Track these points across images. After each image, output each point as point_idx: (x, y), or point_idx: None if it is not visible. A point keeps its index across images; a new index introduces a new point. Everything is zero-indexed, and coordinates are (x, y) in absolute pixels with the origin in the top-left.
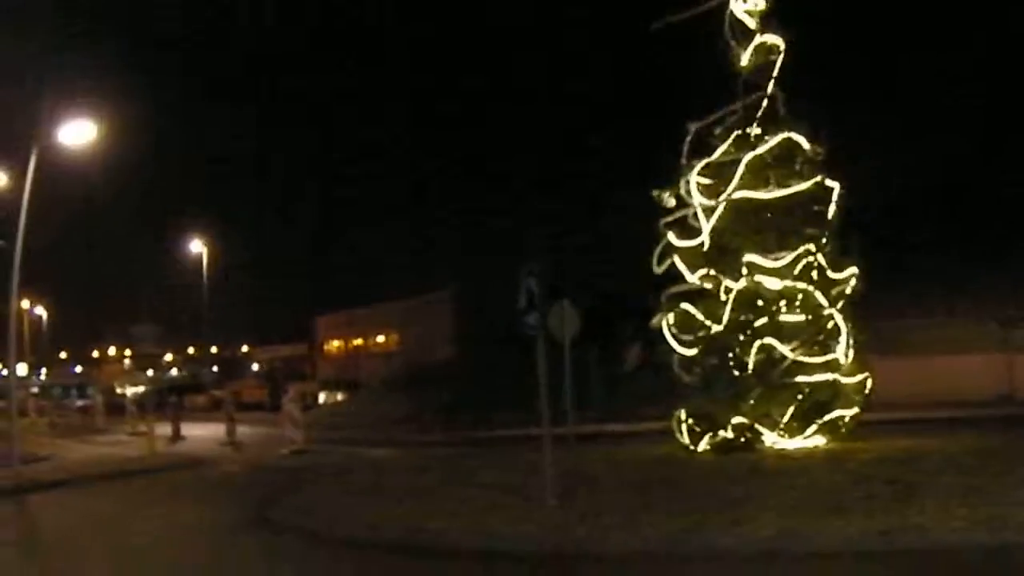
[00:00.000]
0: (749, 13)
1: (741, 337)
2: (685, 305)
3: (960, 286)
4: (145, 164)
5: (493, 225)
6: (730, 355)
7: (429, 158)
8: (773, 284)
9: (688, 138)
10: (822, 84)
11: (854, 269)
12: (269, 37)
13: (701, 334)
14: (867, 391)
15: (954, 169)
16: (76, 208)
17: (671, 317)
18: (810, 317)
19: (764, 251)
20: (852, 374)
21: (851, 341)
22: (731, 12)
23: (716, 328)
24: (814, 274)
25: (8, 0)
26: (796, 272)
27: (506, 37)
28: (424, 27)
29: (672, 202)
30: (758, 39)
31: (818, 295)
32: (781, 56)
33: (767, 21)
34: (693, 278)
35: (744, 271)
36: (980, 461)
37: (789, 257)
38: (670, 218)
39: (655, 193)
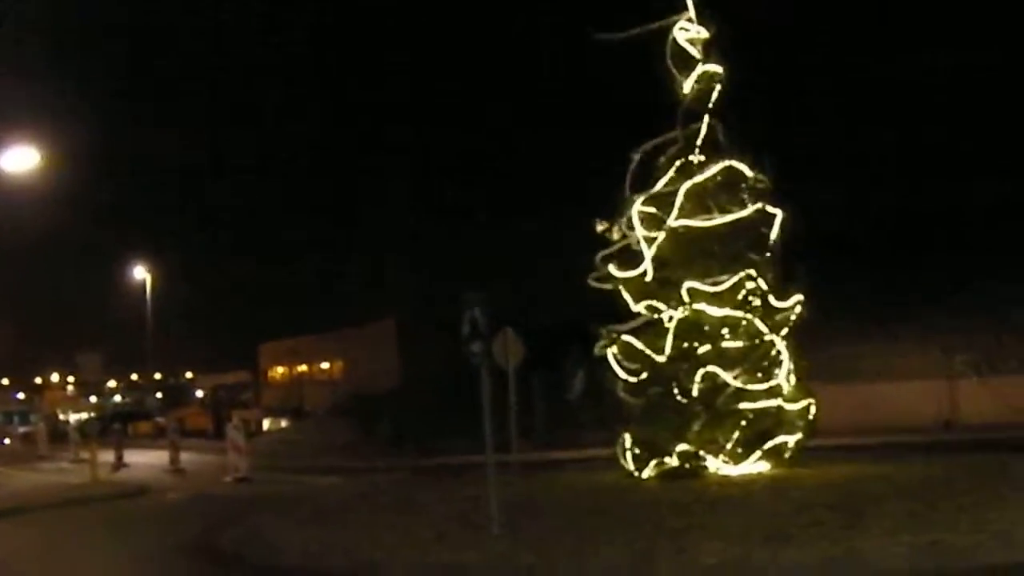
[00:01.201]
0: (691, 41)
1: (685, 365)
2: (627, 337)
3: (903, 313)
4: (88, 190)
5: (437, 253)
6: (674, 382)
7: (374, 185)
8: (715, 311)
9: (631, 167)
10: (765, 111)
11: (799, 297)
12: (213, 62)
13: (645, 362)
14: (811, 417)
15: (898, 197)
16: (17, 235)
17: (615, 348)
18: (753, 344)
19: (706, 278)
20: (795, 400)
21: (793, 367)
22: (673, 39)
23: (659, 358)
24: (756, 301)
25: None
26: (738, 299)
27: (445, 69)
28: (369, 56)
29: (616, 235)
30: (700, 68)
31: (759, 323)
32: (722, 84)
33: (709, 49)
34: (637, 307)
35: (685, 298)
36: (923, 487)
37: (730, 282)
38: (611, 248)
39: (599, 229)
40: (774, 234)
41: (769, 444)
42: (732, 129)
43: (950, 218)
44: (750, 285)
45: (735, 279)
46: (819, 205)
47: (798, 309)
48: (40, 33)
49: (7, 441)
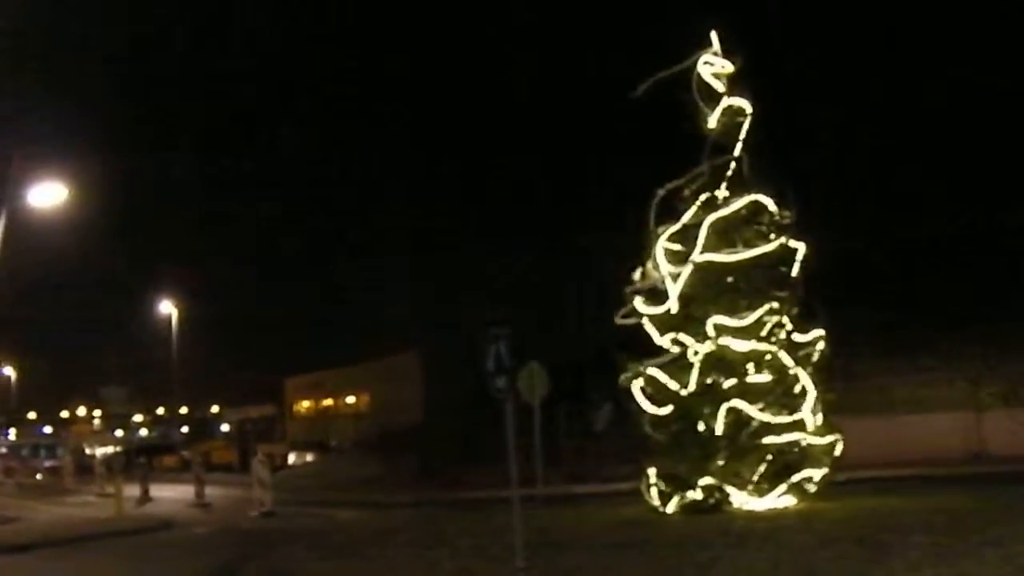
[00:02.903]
0: (716, 76)
1: (709, 399)
2: (653, 371)
3: (929, 343)
4: (115, 224)
5: (463, 286)
6: (698, 417)
7: (394, 219)
8: (740, 346)
9: (655, 202)
10: (785, 141)
11: (820, 332)
12: (237, 92)
13: (670, 395)
14: (837, 452)
15: (921, 227)
16: (46, 268)
17: (640, 381)
18: (777, 378)
19: (731, 313)
20: (821, 435)
21: (819, 402)
22: (698, 75)
23: (684, 392)
24: (781, 335)
25: None
26: (762, 334)
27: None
28: (397, 83)
29: (648, 276)
30: (725, 101)
31: (784, 356)
32: (748, 119)
33: (734, 84)
34: (661, 341)
35: (711, 333)
36: (949, 521)
37: (754, 316)
38: (638, 283)
39: (636, 276)
40: (796, 268)
41: (794, 478)
42: (757, 162)
43: (976, 245)
44: (775, 319)
45: (759, 313)
46: (841, 234)
47: (820, 345)
48: (66, 67)
49: (39, 476)
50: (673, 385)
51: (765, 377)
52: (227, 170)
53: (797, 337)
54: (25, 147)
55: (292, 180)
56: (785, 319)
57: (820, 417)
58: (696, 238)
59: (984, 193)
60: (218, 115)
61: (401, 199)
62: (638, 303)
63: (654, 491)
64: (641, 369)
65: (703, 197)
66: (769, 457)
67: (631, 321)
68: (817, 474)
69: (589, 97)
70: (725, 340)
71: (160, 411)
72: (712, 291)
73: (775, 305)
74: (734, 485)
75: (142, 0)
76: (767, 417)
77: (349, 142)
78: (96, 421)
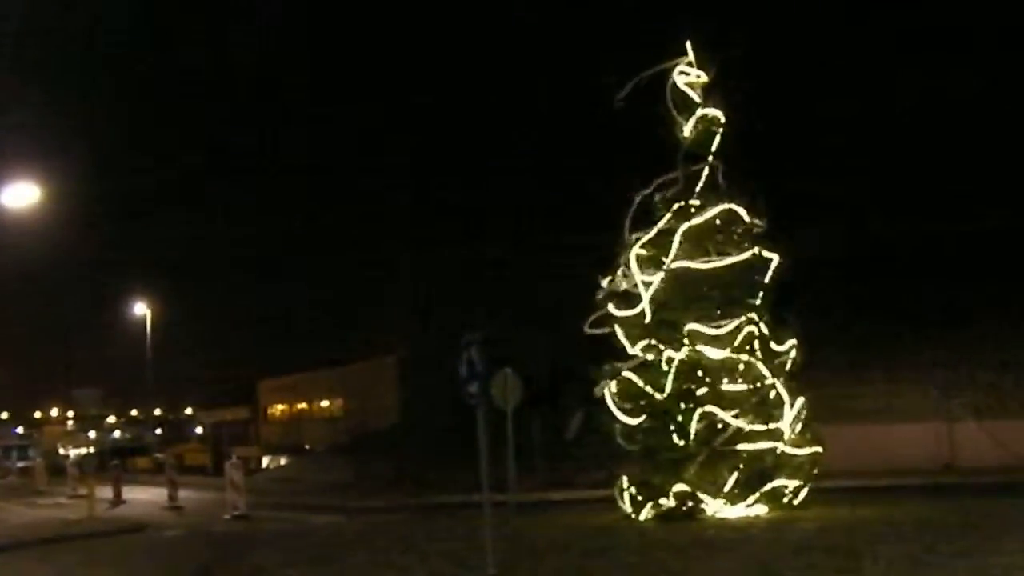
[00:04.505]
0: (691, 85)
1: (683, 405)
2: (627, 373)
3: (901, 350)
4: (88, 224)
5: (437, 291)
6: (672, 423)
7: (374, 224)
8: (714, 354)
9: (631, 210)
10: (761, 152)
11: (793, 341)
12: (210, 90)
13: (643, 402)
14: (815, 465)
15: (892, 234)
16: (18, 269)
17: (613, 386)
18: (752, 386)
19: (705, 320)
20: (801, 446)
21: (800, 413)
22: (673, 83)
23: (659, 397)
24: (755, 343)
25: None
26: (737, 342)
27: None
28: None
29: (620, 282)
30: (700, 111)
31: (759, 365)
32: (722, 128)
33: (709, 93)
34: (635, 350)
35: (685, 340)
36: (920, 530)
37: (730, 326)
38: (609, 289)
39: (606, 283)
40: (768, 278)
41: (768, 487)
42: (730, 171)
43: (948, 251)
44: (750, 329)
45: (736, 322)
46: (813, 241)
47: (793, 353)
48: (39, 65)
49: (11, 477)
50: (648, 389)
51: (740, 386)
52: (203, 167)
53: (773, 346)
54: None
55: (271, 175)
56: (761, 327)
57: (799, 427)
58: (668, 245)
59: (958, 198)
60: (198, 116)
61: (379, 202)
62: (611, 308)
63: (627, 498)
64: (616, 369)
65: (677, 205)
66: (741, 464)
67: (602, 331)
68: (791, 484)
69: (568, 102)
70: (700, 348)
71: (134, 413)
72: (685, 298)
73: (753, 316)
74: (708, 493)
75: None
76: (741, 423)
77: (338, 138)
78: (69, 422)
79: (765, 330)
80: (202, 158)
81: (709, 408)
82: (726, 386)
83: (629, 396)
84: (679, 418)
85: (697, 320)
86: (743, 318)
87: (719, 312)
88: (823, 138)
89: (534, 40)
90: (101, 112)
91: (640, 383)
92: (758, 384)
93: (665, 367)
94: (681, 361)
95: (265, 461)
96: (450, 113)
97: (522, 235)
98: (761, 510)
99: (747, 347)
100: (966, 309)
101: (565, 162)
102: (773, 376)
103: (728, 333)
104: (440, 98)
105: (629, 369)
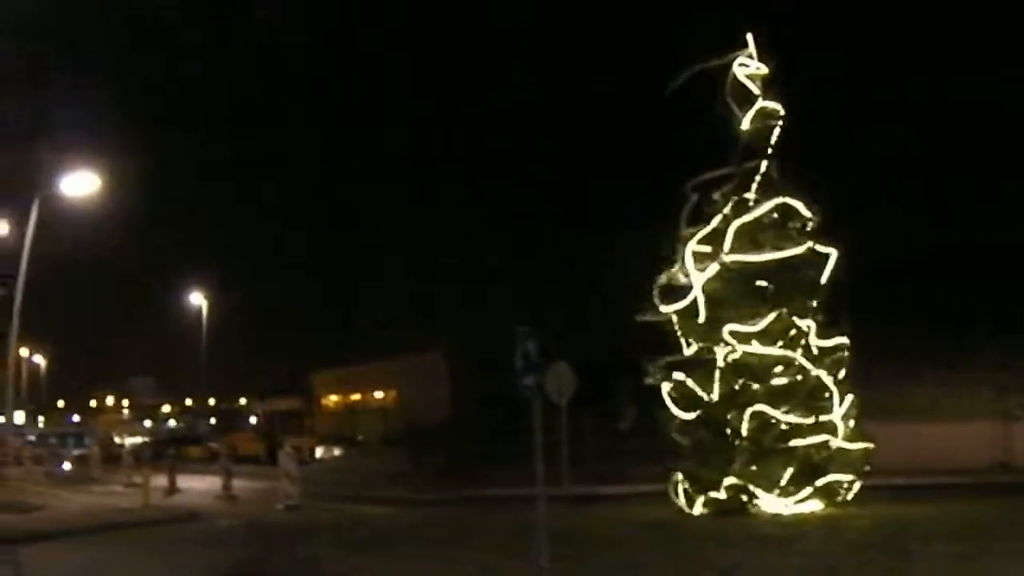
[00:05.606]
0: (751, 77)
1: (734, 403)
2: (679, 375)
3: (955, 352)
4: (147, 215)
5: (490, 285)
6: (723, 421)
7: (427, 217)
8: (762, 350)
9: (688, 204)
10: (820, 149)
11: (843, 340)
12: (265, 88)
13: (695, 400)
14: (867, 460)
15: (950, 234)
16: (77, 258)
17: (667, 386)
18: (800, 379)
19: (756, 317)
20: (852, 441)
21: (851, 409)
22: (733, 75)
23: (709, 397)
24: (804, 340)
25: (12, 53)
26: (786, 337)
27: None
28: (425, 103)
29: (675, 277)
30: (759, 104)
31: (805, 361)
32: (781, 121)
33: (768, 86)
34: (689, 351)
35: (730, 340)
36: (973, 530)
37: (769, 319)
38: (664, 282)
39: (659, 281)
40: (826, 274)
41: (821, 481)
42: (787, 165)
43: (1003, 253)
44: (800, 325)
45: (778, 315)
46: (871, 239)
47: (844, 353)
48: (102, 60)
49: (67, 466)
50: (700, 392)
51: (789, 380)
52: (258, 167)
53: (821, 343)
54: (57, 137)
55: (325, 177)
56: (810, 323)
57: (852, 423)
58: (723, 240)
59: (1015, 201)
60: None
61: (432, 200)
62: (663, 304)
63: (680, 492)
64: (668, 370)
65: (733, 200)
66: (794, 459)
67: (656, 318)
68: (845, 479)
69: (618, 97)
70: (747, 346)
71: (188, 402)
72: (737, 293)
73: (801, 310)
74: (760, 487)
75: None
76: (792, 419)
77: (391, 138)
78: (125, 411)
79: (815, 327)
80: (256, 153)
81: (760, 407)
82: (775, 381)
83: (683, 393)
84: (729, 416)
85: (747, 316)
86: (785, 311)
87: (771, 308)
88: (879, 143)
89: (583, 33)
90: (166, 112)
91: (692, 385)
92: (806, 379)
93: (718, 365)
94: (731, 361)
95: (318, 452)
96: (494, 115)
97: (578, 230)
98: (815, 506)
99: (798, 344)
100: (1020, 311)
101: (621, 159)
102: (823, 372)
103: (775, 329)
104: (495, 100)
105: (682, 367)
